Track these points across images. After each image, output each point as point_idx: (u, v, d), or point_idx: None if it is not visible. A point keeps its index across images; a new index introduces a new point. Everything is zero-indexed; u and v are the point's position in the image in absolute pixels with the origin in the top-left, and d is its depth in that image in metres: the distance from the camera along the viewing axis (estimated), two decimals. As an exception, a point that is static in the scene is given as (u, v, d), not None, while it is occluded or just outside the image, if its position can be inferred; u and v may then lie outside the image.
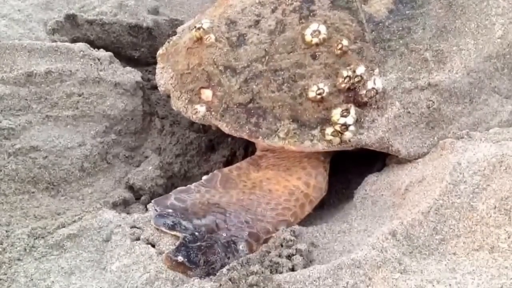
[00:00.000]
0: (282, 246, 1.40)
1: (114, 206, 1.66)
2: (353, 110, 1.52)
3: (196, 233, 1.41)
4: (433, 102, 1.56)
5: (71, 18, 2.15)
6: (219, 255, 1.38)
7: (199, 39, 1.68)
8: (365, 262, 1.23)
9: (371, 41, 1.56)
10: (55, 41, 2.01)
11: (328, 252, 1.42)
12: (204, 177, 1.60)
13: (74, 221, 1.52)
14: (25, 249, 1.41)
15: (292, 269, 1.33)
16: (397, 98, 1.55)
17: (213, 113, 1.62)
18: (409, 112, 1.55)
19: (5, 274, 1.35)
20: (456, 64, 1.59)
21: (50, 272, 1.37)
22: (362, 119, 1.54)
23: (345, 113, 1.52)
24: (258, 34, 1.62)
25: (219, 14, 1.71)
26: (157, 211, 1.46)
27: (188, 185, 1.57)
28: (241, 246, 1.42)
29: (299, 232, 1.45)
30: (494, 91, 1.63)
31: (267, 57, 1.59)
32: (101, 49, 1.99)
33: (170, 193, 1.53)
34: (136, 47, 2.25)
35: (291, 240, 1.39)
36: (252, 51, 1.61)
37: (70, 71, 1.79)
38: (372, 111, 1.54)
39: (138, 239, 1.45)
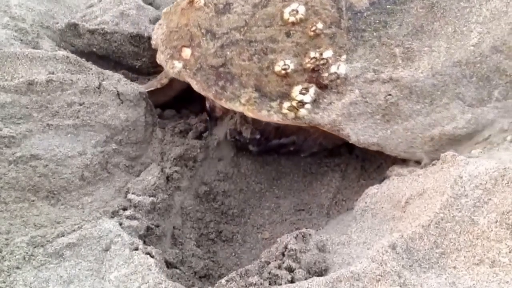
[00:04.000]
0: (283, 255, 1.40)
1: (114, 215, 1.65)
2: (312, 90, 1.58)
3: None
4: (392, 96, 1.57)
5: (73, 27, 2.19)
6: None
7: (191, 2, 1.76)
8: (365, 275, 1.22)
9: (345, 28, 1.61)
10: (57, 50, 2.02)
11: (327, 264, 1.40)
12: None
13: (74, 230, 1.51)
14: (24, 258, 1.41)
15: (291, 281, 1.32)
16: (358, 86, 1.58)
17: (187, 70, 1.72)
18: (366, 102, 1.58)
19: (4, 282, 1.35)
20: (423, 64, 1.60)
21: (49, 281, 1.37)
22: (320, 100, 1.59)
23: (304, 91, 1.59)
24: (243, 5, 1.70)
25: None
26: None
27: None
28: (303, 154, 1.84)
29: (303, 238, 1.45)
30: (458, 97, 1.61)
31: (245, 28, 1.66)
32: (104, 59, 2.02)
33: None
34: (137, 56, 2.27)
35: (293, 250, 1.39)
36: (233, 20, 1.69)
37: (71, 80, 1.79)
38: (331, 94, 1.59)
39: (137, 249, 1.45)
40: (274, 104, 1.63)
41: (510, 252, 1.20)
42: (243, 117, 1.82)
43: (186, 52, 1.74)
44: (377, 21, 1.63)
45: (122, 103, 1.86)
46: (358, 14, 1.63)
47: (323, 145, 1.86)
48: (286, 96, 1.62)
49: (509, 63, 1.62)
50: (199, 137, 1.97)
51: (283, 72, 1.61)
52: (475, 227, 1.27)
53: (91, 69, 1.88)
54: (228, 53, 1.68)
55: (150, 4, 2.52)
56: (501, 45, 1.62)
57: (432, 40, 1.63)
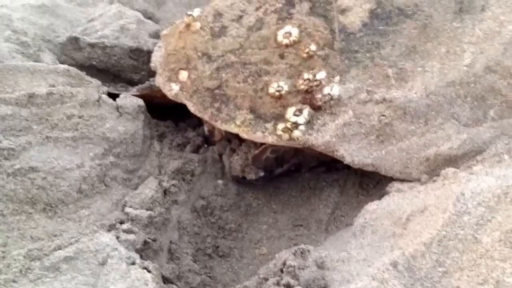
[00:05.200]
0: (282, 271, 1.39)
1: (111, 228, 1.65)
2: (306, 111, 1.59)
3: None
4: (386, 116, 1.58)
5: (73, 41, 2.20)
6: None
7: (188, 25, 1.79)
8: (365, 293, 1.20)
9: (338, 50, 1.62)
10: (58, 63, 2.04)
11: (327, 281, 1.39)
12: None
13: (71, 243, 1.51)
14: (20, 271, 1.41)
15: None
16: (351, 107, 1.59)
17: (184, 92, 1.75)
18: (360, 122, 1.59)
19: (0, 295, 1.34)
20: (417, 84, 1.60)
21: (44, 295, 1.36)
22: (314, 121, 1.61)
23: (297, 113, 1.60)
24: (238, 28, 1.73)
25: (212, 5, 1.82)
26: None
27: None
28: (303, 169, 1.88)
29: (301, 255, 1.46)
30: (453, 117, 1.61)
31: (240, 50, 1.70)
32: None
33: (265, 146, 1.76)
34: (137, 70, 2.28)
35: (291, 266, 1.39)
36: (229, 43, 1.72)
37: (71, 93, 1.80)
38: (325, 115, 1.60)
39: (134, 263, 1.45)
40: (268, 125, 1.64)
41: (514, 271, 1.19)
42: (243, 157, 1.85)
43: (183, 75, 1.77)
44: (370, 42, 1.64)
45: (121, 116, 1.87)
46: (351, 35, 1.65)
47: (321, 159, 1.86)
48: (280, 117, 1.63)
49: (503, 83, 1.62)
50: (196, 150, 1.97)
51: (277, 93, 1.63)
52: (479, 245, 1.25)
53: (91, 82, 1.90)
54: (223, 75, 1.70)
55: (150, 18, 2.53)
56: (495, 65, 1.62)
57: (425, 61, 1.64)
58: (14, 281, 1.39)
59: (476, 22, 1.68)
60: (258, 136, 1.65)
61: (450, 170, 1.51)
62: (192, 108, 1.74)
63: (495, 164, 1.54)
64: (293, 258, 1.44)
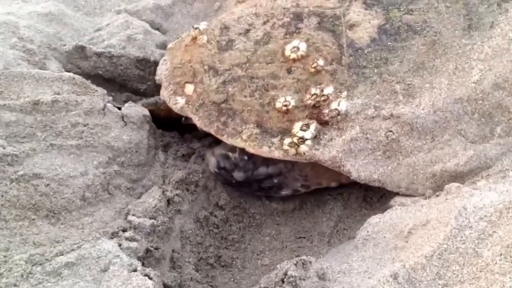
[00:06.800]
0: (283, 281, 1.39)
1: (113, 236, 1.64)
2: (313, 126, 1.60)
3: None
4: (393, 132, 1.58)
5: (80, 49, 2.20)
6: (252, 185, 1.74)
7: (194, 39, 1.80)
8: (366, 304, 1.20)
9: (346, 65, 1.63)
10: (63, 72, 2.04)
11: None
12: None
13: (73, 250, 1.51)
14: (22, 275, 1.40)
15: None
16: (358, 123, 1.59)
17: (190, 106, 1.76)
18: (367, 138, 1.59)
19: (1, 300, 1.34)
20: (425, 100, 1.61)
21: (45, 300, 1.36)
22: (321, 136, 1.61)
23: (304, 128, 1.61)
24: (245, 42, 1.74)
25: (219, 18, 1.83)
26: None
27: None
28: (285, 192, 1.79)
29: (303, 266, 1.44)
30: (460, 134, 1.62)
31: (247, 64, 1.70)
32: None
33: None
34: (143, 80, 2.28)
35: (292, 277, 1.38)
36: (235, 57, 1.72)
37: (77, 101, 1.80)
38: (332, 131, 1.61)
39: (135, 270, 1.45)
40: (275, 140, 1.65)
41: (514, 285, 1.19)
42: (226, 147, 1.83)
43: (189, 88, 1.77)
44: (378, 58, 1.65)
45: (125, 125, 1.87)
46: (359, 50, 1.65)
47: (306, 183, 1.84)
48: (287, 132, 1.64)
49: (511, 100, 1.62)
50: (201, 161, 1.97)
51: (284, 108, 1.63)
52: (479, 259, 1.25)
53: (97, 90, 1.90)
54: (230, 89, 1.70)
55: (157, 29, 2.52)
56: (503, 82, 1.62)
57: (433, 77, 1.64)
58: (15, 286, 1.39)
59: (485, 39, 1.68)
60: (264, 151, 1.65)
61: (453, 185, 1.51)
62: (197, 122, 1.75)
63: (500, 180, 1.54)
64: (294, 269, 1.43)
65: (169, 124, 2.06)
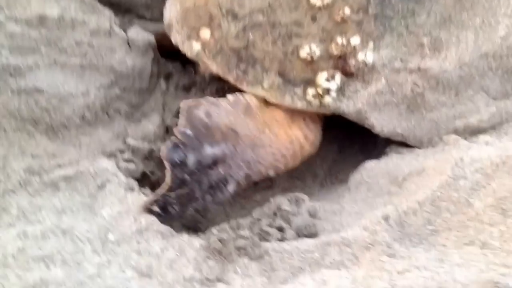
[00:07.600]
0: (275, 215, 1.43)
1: (111, 156, 1.68)
2: (338, 77, 1.57)
3: (184, 176, 1.47)
4: (418, 86, 1.57)
5: (89, -32, 2.14)
6: (196, 203, 1.49)
7: None
8: (355, 241, 1.26)
9: (373, 15, 1.58)
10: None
11: (317, 229, 1.43)
12: (230, 97, 1.61)
13: (71, 164, 1.54)
14: (20, 183, 1.45)
15: (281, 240, 1.36)
16: (384, 75, 1.58)
17: (206, 52, 1.67)
18: (392, 91, 1.58)
19: (-2, 203, 1.36)
20: (451, 55, 1.60)
21: (42, 209, 1.41)
22: (345, 88, 1.59)
23: (330, 79, 1.57)
24: None
25: None
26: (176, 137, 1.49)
27: (218, 99, 1.58)
28: (231, 187, 1.54)
29: (296, 202, 1.48)
30: (483, 90, 1.63)
31: (269, 10, 1.61)
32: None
33: (202, 101, 1.55)
34: (149, 7, 2.20)
35: (285, 211, 1.42)
36: (256, 1, 1.62)
37: (83, 19, 1.78)
38: (357, 82, 1.59)
39: (132, 189, 1.48)
40: (298, 90, 1.61)
41: (501, 236, 1.23)
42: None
43: (205, 33, 1.68)
44: (405, 9, 1.61)
45: (130, 49, 1.85)
46: (386, 1, 1.60)
47: (249, 171, 1.63)
48: (311, 82, 1.60)
49: (536, 57, 1.62)
50: (202, 93, 1.94)
51: (308, 57, 1.59)
52: (470, 209, 1.30)
53: (104, 11, 1.86)
54: (250, 35, 1.63)
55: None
56: (529, 38, 1.61)
57: (459, 31, 1.63)
58: (13, 192, 1.42)
59: (512, -6, 1.66)
60: (286, 101, 1.62)
61: (452, 137, 1.54)
62: (215, 68, 1.68)
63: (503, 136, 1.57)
64: (287, 204, 1.47)
65: (172, 54, 2.04)
